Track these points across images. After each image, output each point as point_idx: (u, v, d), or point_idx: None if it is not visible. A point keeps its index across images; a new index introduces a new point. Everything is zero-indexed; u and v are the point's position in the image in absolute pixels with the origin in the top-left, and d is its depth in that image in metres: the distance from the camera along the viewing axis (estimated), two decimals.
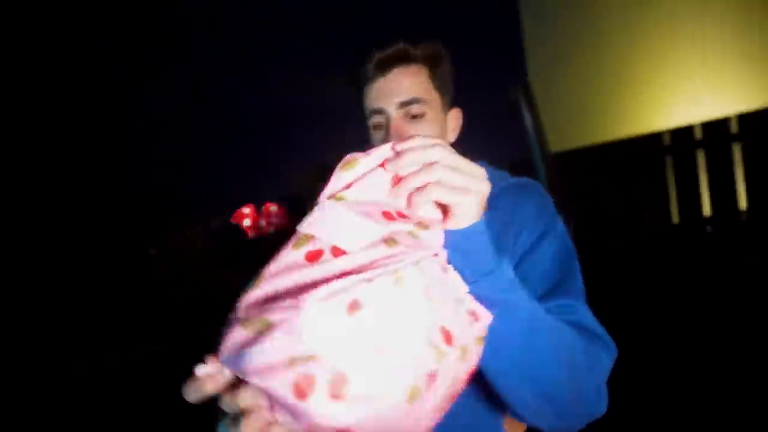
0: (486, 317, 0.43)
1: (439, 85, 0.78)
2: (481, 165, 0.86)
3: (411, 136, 0.48)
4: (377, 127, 0.78)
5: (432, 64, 0.77)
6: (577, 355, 0.55)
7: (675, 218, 2.75)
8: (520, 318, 0.51)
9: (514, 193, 0.75)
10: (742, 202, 2.27)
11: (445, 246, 0.47)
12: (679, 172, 2.50)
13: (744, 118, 2.19)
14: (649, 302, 2.79)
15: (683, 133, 2.41)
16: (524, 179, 0.80)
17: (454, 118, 0.83)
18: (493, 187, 0.76)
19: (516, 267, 0.68)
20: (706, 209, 2.43)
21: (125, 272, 3.94)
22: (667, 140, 2.49)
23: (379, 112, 0.76)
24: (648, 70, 3.03)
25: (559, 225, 0.74)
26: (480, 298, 0.47)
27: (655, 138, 2.52)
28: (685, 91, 2.87)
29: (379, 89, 0.75)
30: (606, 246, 2.83)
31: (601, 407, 0.58)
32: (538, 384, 0.53)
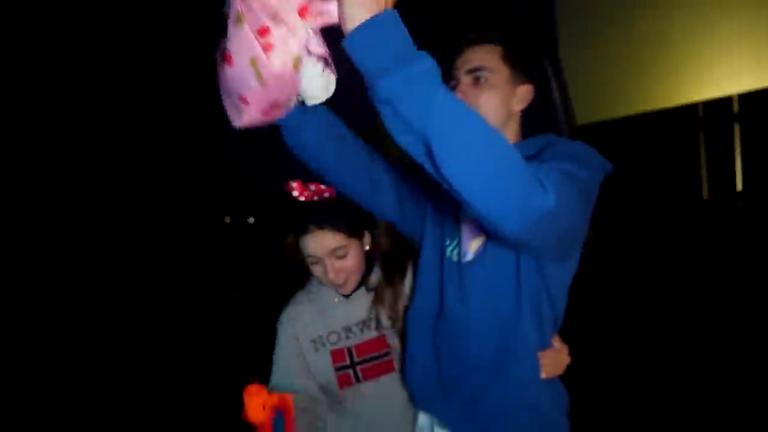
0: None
1: (512, 60, 0.91)
2: (549, 137, 0.97)
3: None
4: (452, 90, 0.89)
5: (506, 45, 0.92)
6: (507, 150, 0.58)
7: (705, 193, 2.69)
8: (429, 107, 0.53)
9: (556, 142, 0.89)
10: None
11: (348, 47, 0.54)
12: (711, 146, 2.44)
13: None
14: (677, 277, 2.77)
15: (719, 106, 2.34)
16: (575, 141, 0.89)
17: (524, 92, 0.94)
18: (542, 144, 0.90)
19: None
20: (739, 184, 2.38)
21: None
22: (701, 113, 2.42)
23: (452, 77, 0.94)
24: (684, 39, 2.89)
25: (580, 162, 0.75)
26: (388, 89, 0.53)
27: (688, 110, 2.45)
28: (722, 63, 2.73)
29: (459, 61, 0.93)
30: (634, 220, 2.81)
31: (545, 201, 0.58)
32: (467, 158, 0.56)
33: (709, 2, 3.00)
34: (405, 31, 0.55)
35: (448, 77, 0.94)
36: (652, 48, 3.32)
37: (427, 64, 0.54)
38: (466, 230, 0.90)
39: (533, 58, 0.97)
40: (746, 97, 2.26)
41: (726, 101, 2.34)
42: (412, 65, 0.53)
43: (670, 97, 3.17)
